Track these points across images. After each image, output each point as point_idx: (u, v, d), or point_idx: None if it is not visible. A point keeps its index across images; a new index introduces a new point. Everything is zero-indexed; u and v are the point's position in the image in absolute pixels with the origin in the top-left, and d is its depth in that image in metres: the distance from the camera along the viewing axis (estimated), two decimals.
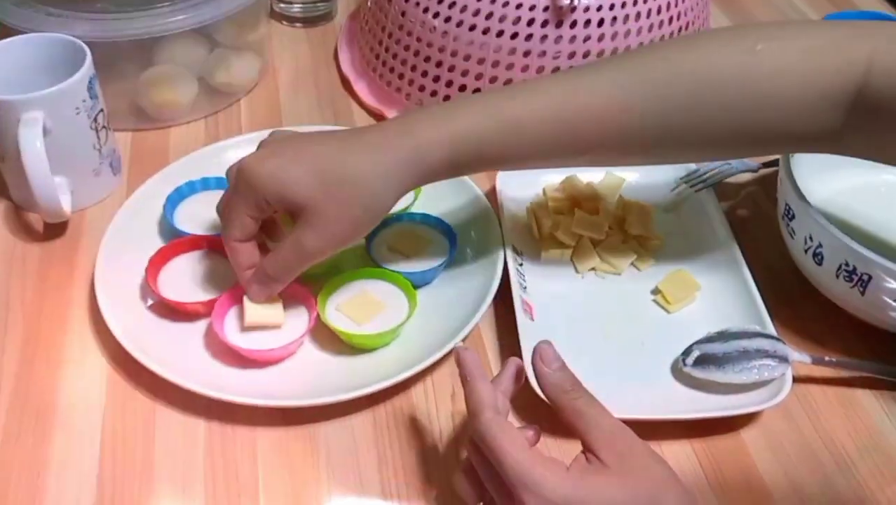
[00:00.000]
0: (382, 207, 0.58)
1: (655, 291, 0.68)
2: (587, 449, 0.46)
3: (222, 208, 0.61)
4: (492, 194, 0.73)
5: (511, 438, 0.45)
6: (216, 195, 0.72)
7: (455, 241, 0.68)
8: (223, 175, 0.72)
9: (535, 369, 0.49)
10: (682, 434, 0.59)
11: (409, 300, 0.64)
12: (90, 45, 0.71)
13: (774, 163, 0.79)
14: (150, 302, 0.65)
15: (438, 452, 0.58)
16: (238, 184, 0.58)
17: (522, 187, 0.75)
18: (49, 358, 0.63)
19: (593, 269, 0.69)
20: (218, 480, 0.56)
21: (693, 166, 0.76)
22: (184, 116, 0.84)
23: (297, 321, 0.63)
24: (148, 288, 0.65)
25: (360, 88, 0.88)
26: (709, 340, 0.62)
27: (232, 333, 0.62)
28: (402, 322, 0.62)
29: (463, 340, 0.62)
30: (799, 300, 0.67)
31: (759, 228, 0.73)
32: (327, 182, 0.56)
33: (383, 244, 0.69)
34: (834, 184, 0.72)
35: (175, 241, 0.67)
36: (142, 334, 0.62)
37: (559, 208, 0.73)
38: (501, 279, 0.65)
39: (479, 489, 0.49)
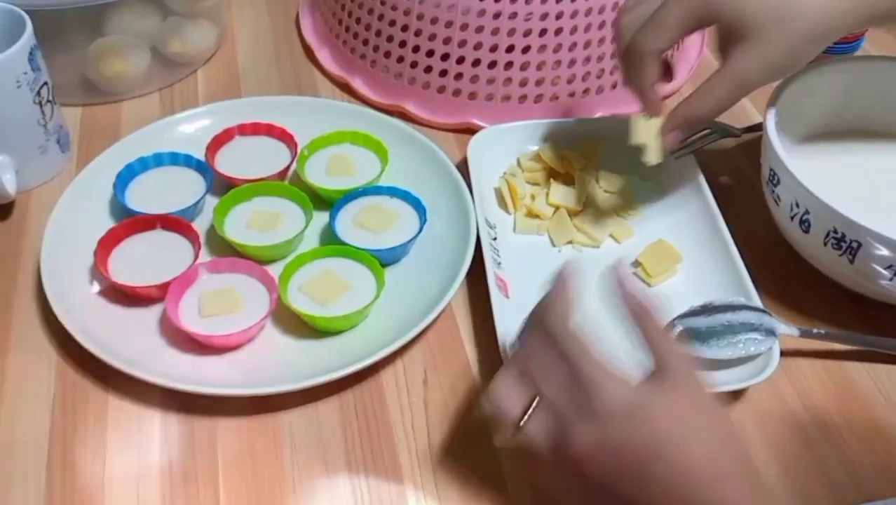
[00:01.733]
0: (826, 37, 0.56)
1: (635, 264, 0.64)
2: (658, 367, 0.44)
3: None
4: (463, 165, 0.70)
5: (588, 344, 0.44)
6: (170, 172, 0.69)
7: (425, 216, 0.65)
8: (177, 150, 0.69)
9: (624, 295, 0.47)
10: None
11: (377, 279, 0.61)
12: (31, 13, 0.67)
13: (757, 128, 0.75)
14: (100, 286, 0.61)
15: (410, 442, 0.55)
16: None
17: (495, 157, 0.71)
18: None
19: (570, 242, 0.66)
20: (175, 475, 0.53)
21: None
22: (136, 89, 0.80)
23: (256, 304, 0.59)
24: (97, 271, 0.61)
25: (323, 56, 0.84)
26: (692, 313, 0.59)
27: (188, 317, 0.58)
28: (369, 303, 0.59)
29: (434, 320, 0.59)
30: (785, 271, 0.65)
31: (742, 197, 0.70)
32: (778, 3, 0.54)
33: (348, 219, 0.65)
34: (816, 160, 0.69)
35: (126, 221, 0.63)
36: (92, 321, 0.58)
37: (534, 179, 0.70)
38: (474, 255, 0.62)
39: (518, 405, 0.45)
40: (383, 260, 0.62)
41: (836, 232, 0.57)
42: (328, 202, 0.67)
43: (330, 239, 0.65)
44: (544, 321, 0.46)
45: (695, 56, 0.85)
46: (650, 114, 0.62)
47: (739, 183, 0.73)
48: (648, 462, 0.41)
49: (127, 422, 0.56)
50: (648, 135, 0.62)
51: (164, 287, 0.59)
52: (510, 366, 0.47)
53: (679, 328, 0.58)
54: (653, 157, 0.62)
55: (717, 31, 0.58)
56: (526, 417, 0.44)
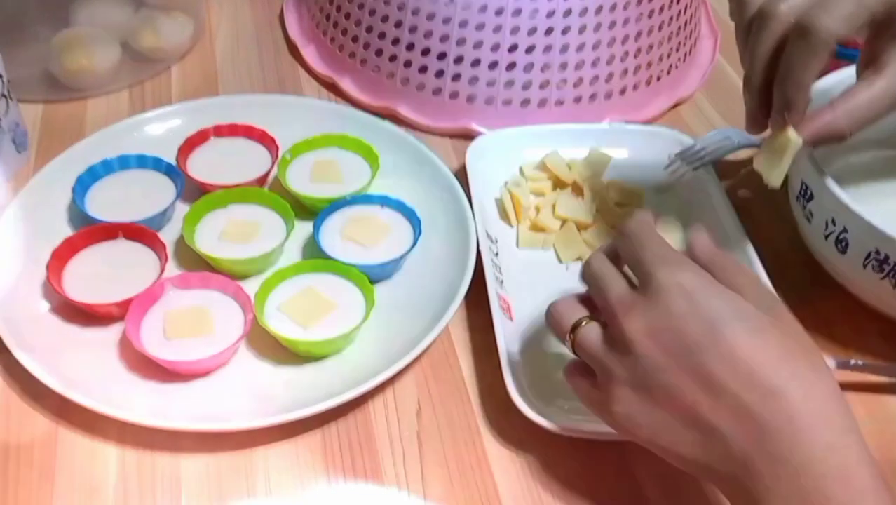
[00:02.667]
0: None
1: None
2: None
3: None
4: (461, 173, 0.63)
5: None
6: (136, 176, 0.62)
7: (419, 228, 0.58)
8: (145, 152, 0.62)
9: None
10: None
11: (366, 298, 0.54)
12: None
13: None
14: (52, 303, 0.55)
15: (401, 482, 0.48)
16: None
17: (496, 165, 0.65)
18: None
19: (579, 258, 0.60)
20: None
21: (689, 140, 0.66)
22: (104, 86, 0.73)
23: (229, 325, 0.53)
24: (49, 286, 0.54)
25: (309, 54, 0.78)
26: None
27: (150, 340, 0.52)
28: (356, 325, 0.52)
29: (430, 344, 0.52)
30: (815, 294, 0.59)
31: (763, 212, 0.64)
32: None
33: (334, 231, 0.59)
34: (854, 174, 0.63)
35: (84, 230, 0.57)
36: (41, 343, 0.52)
37: (539, 189, 0.64)
38: (474, 272, 0.56)
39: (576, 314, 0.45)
40: (373, 277, 0.56)
41: (878, 253, 0.51)
42: (312, 211, 0.60)
43: (313, 252, 0.58)
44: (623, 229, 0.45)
45: (707, 61, 0.79)
46: (791, 124, 0.49)
47: (760, 196, 0.67)
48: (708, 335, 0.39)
49: (79, 458, 0.49)
50: (775, 151, 0.51)
51: (124, 305, 0.53)
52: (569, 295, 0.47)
53: None
54: (775, 178, 0.52)
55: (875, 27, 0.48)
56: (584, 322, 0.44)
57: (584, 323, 0.44)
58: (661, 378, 0.40)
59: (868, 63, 0.48)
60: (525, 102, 0.70)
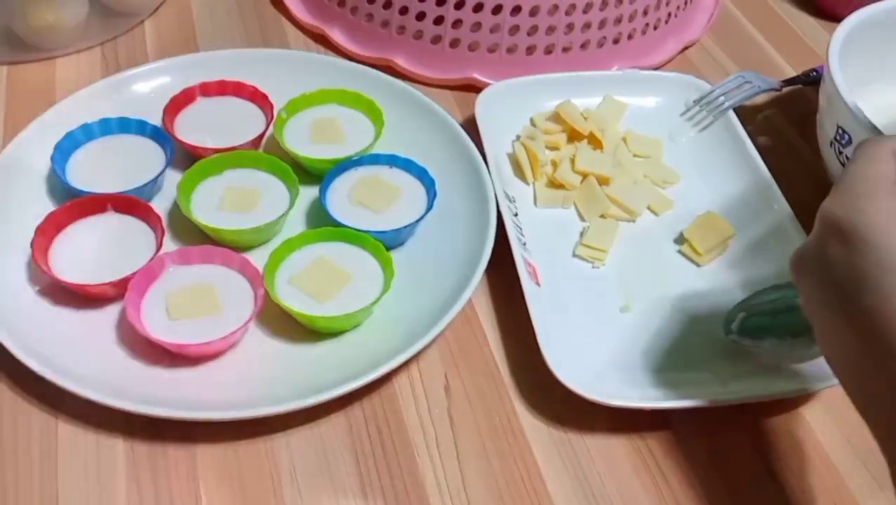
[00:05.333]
0: None
1: (680, 240, 0.55)
2: None
3: None
4: (470, 125, 0.59)
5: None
6: (120, 141, 0.57)
7: (433, 189, 0.55)
8: (128, 115, 0.57)
9: None
10: (728, 417, 0.48)
11: (383, 267, 0.51)
12: None
13: (795, 80, 0.67)
14: (39, 285, 0.50)
15: (436, 464, 0.45)
16: None
17: (505, 118, 0.61)
18: None
19: (602, 215, 0.56)
20: None
21: (706, 86, 0.63)
22: (72, 44, 0.67)
23: (237, 302, 0.49)
24: (36, 267, 0.49)
25: (293, 3, 0.72)
26: (756, 299, 0.50)
27: (153, 322, 0.48)
28: (377, 297, 0.49)
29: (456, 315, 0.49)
30: None
31: (785, 159, 0.62)
32: None
33: (342, 196, 0.55)
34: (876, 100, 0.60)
35: (69, 204, 0.52)
36: (31, 329, 0.47)
37: (553, 142, 0.60)
38: (496, 234, 0.52)
39: None
40: (387, 243, 0.52)
41: None
42: (315, 175, 0.56)
43: (320, 219, 0.54)
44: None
45: (712, 3, 0.76)
46: None
47: (780, 144, 0.64)
48: None
49: (83, 453, 0.45)
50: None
51: (121, 284, 0.48)
52: None
53: (742, 316, 0.49)
54: None
55: None
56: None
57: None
58: None
59: None
60: (531, 49, 0.66)
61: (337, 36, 0.69)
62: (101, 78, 0.63)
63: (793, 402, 0.49)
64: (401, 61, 0.67)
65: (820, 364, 0.48)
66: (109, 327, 0.49)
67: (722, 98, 0.62)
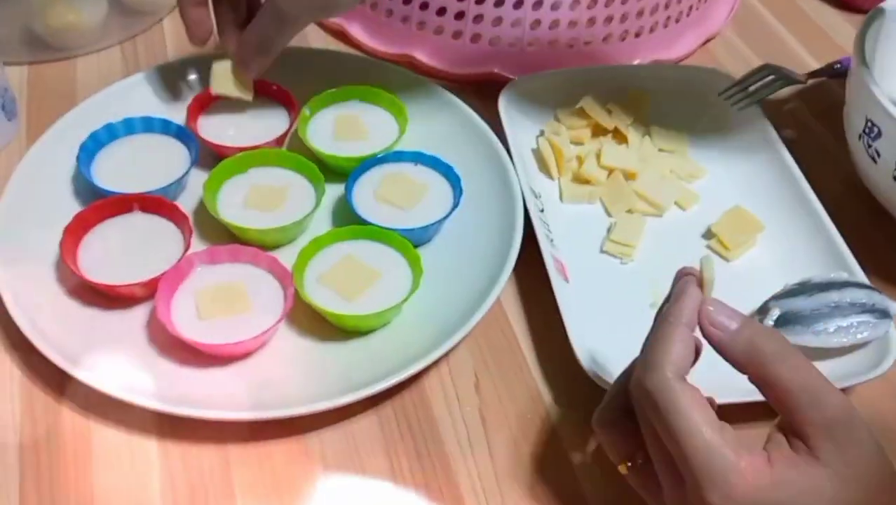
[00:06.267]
0: None
1: (709, 235, 0.55)
2: (793, 433, 0.34)
3: None
4: (493, 121, 0.59)
5: (699, 413, 0.33)
6: (144, 141, 0.57)
7: (458, 186, 0.54)
8: (151, 114, 0.57)
9: (711, 341, 0.36)
10: (757, 416, 0.47)
11: (411, 265, 0.51)
12: None
13: (819, 72, 0.66)
14: (69, 286, 0.50)
15: (469, 463, 0.45)
16: None
17: (529, 113, 0.61)
18: None
19: (629, 210, 0.56)
20: None
21: (730, 79, 0.63)
22: (92, 43, 0.67)
23: (267, 301, 0.49)
24: (65, 267, 0.49)
25: None
26: (789, 293, 0.50)
27: (184, 321, 0.47)
28: (407, 295, 0.48)
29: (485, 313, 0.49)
30: (881, 239, 0.56)
31: (811, 152, 0.61)
32: None
33: (368, 193, 0.55)
34: None
35: (96, 204, 0.52)
36: (61, 330, 0.47)
37: (578, 137, 0.60)
38: (524, 231, 0.52)
39: (628, 445, 0.38)
40: (414, 241, 0.52)
41: None
42: (339, 172, 0.56)
43: (345, 217, 0.54)
44: (645, 381, 0.35)
45: None
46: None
47: (805, 136, 0.64)
48: None
49: (117, 454, 0.45)
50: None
51: (150, 284, 0.48)
52: (616, 392, 0.39)
53: (776, 312, 0.49)
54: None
55: None
56: (632, 465, 0.38)
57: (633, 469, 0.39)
58: None
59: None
60: (553, 43, 0.66)
61: (356, 32, 0.69)
62: (121, 77, 0.63)
63: None
64: (421, 56, 0.67)
65: (851, 361, 0.48)
66: (139, 327, 0.49)
67: (747, 91, 0.61)
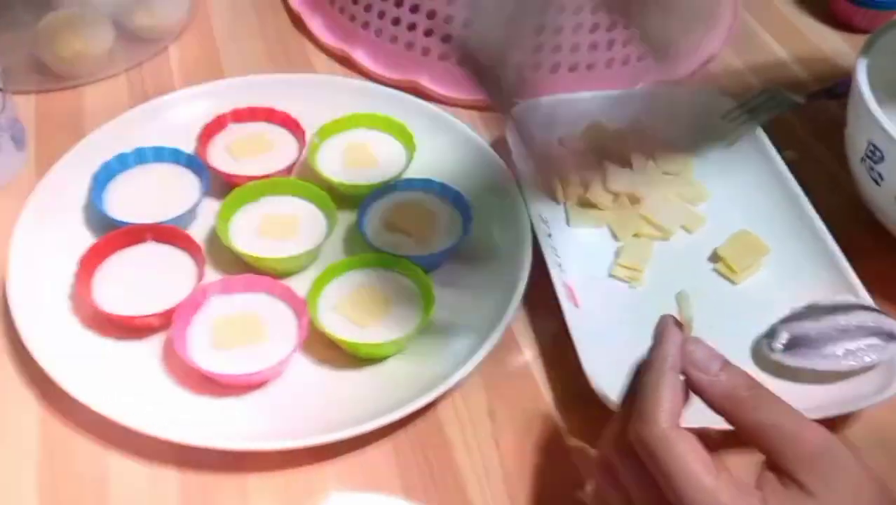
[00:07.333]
0: None
1: (715, 258, 0.56)
2: (780, 471, 0.34)
3: None
4: (500, 146, 0.60)
5: (697, 462, 0.34)
6: (156, 171, 0.58)
7: (467, 213, 0.55)
8: (161, 144, 0.57)
9: (691, 383, 0.37)
10: None
11: (422, 292, 0.51)
12: None
13: (819, 94, 0.67)
14: (84, 317, 0.50)
15: (485, 492, 0.46)
16: None
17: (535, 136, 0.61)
18: None
19: (636, 235, 0.57)
20: None
21: (732, 102, 0.63)
22: (99, 71, 0.68)
23: (282, 330, 0.49)
24: (80, 299, 0.50)
25: (316, 25, 0.73)
26: (796, 317, 0.50)
27: (199, 351, 0.48)
28: (420, 322, 0.49)
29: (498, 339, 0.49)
30: (885, 262, 0.57)
31: (813, 173, 0.62)
32: None
33: (377, 221, 0.55)
34: None
35: (109, 235, 0.52)
36: (78, 362, 0.48)
37: (583, 162, 0.60)
38: (532, 257, 0.53)
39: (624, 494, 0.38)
40: (425, 268, 0.52)
41: None
42: (345, 199, 0.56)
43: (356, 244, 0.55)
44: (641, 433, 0.35)
45: (731, 16, 0.76)
46: None
47: (806, 158, 0.64)
48: None
49: (136, 486, 0.45)
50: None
51: (166, 315, 0.49)
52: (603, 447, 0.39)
53: (785, 335, 0.49)
54: None
55: None
56: None
57: None
58: None
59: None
60: (555, 67, 0.66)
61: (361, 57, 0.70)
62: (128, 104, 0.64)
63: (833, 421, 0.49)
64: (426, 82, 0.67)
65: (858, 384, 0.49)
66: (155, 358, 0.49)
67: (749, 113, 0.62)
